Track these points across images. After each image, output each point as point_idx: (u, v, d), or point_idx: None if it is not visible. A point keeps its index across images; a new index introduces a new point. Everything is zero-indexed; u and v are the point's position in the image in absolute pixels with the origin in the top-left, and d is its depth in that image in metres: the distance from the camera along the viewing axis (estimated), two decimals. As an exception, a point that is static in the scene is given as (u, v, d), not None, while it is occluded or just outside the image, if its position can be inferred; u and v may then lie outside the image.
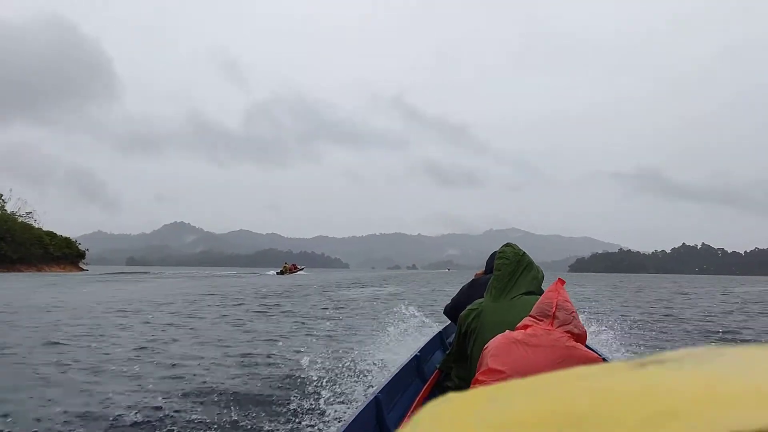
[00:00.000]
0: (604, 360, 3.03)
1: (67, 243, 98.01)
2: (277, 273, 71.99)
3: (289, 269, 73.61)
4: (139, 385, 6.80)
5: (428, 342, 5.71)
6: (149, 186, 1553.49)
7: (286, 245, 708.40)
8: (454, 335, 3.63)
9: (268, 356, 8.74)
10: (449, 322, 5.98)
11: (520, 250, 3.40)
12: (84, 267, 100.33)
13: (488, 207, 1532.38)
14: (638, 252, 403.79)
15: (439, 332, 6.40)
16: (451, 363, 3.68)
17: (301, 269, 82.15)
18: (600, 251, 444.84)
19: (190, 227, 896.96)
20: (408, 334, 8.82)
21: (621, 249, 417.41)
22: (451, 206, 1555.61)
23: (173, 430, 5.31)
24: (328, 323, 13.63)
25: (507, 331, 2.54)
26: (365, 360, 7.50)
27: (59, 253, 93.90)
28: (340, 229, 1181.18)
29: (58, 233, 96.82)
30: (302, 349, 9.12)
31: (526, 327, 2.48)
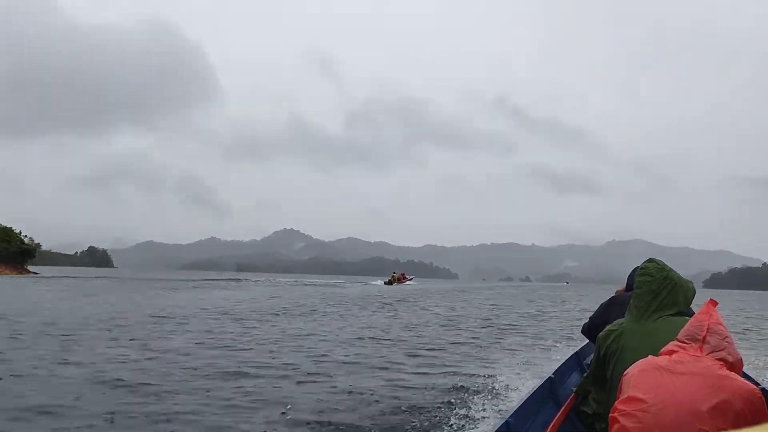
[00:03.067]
0: (764, 390, 2.84)
1: (5, 235, 76.05)
2: (385, 283, 71.15)
3: (397, 279, 72.58)
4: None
5: (563, 363, 5.51)
6: (257, 192, 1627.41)
7: (394, 254, 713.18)
8: (592, 356, 3.50)
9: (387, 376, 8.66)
10: (586, 341, 5.79)
11: (665, 266, 3.27)
12: (33, 270, 79.75)
13: (608, 216, 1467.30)
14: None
15: (576, 353, 6.16)
16: (588, 386, 3.54)
17: (410, 279, 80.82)
18: (739, 266, 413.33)
19: (299, 234, 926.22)
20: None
21: (766, 264, 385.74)
22: (568, 215, 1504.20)
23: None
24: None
25: (650, 356, 2.41)
26: (493, 381, 7.46)
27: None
28: (450, 238, 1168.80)
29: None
30: (425, 370, 8.98)
31: (671, 352, 2.35)
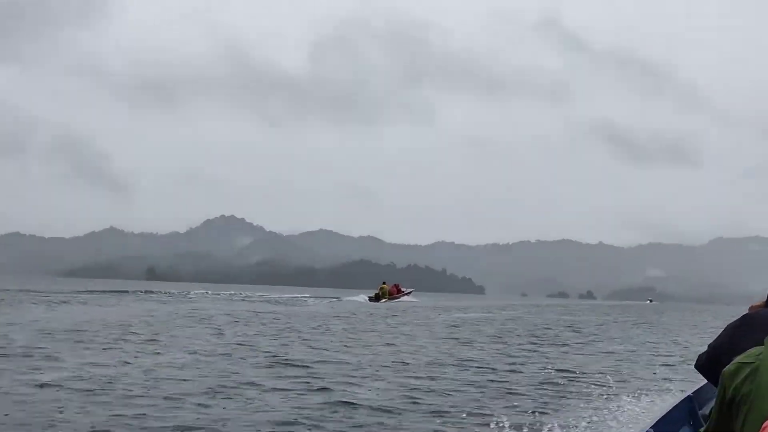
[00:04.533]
0: None
1: None
2: (370, 298, 75.88)
3: (389, 293, 77.56)
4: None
5: (669, 412, 5.72)
6: (178, 160, 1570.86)
7: (389, 255, 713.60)
8: (712, 403, 3.51)
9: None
10: (704, 381, 5.88)
11: None
12: None
13: (714, 202, 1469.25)
14: None
15: (688, 397, 6.30)
16: None
17: (408, 293, 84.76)
18: None
19: (245, 224, 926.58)
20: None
21: None
22: (652, 199, 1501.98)
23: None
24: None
25: None
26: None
27: None
28: (472, 233, 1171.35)
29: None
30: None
31: None
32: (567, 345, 28.57)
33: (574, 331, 39.06)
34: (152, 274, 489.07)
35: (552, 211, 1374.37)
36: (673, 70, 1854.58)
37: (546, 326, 42.10)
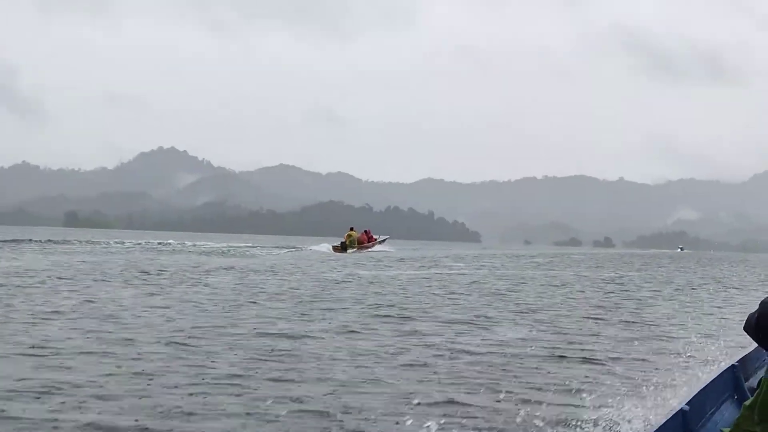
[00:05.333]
0: None
1: None
2: (334, 248, 77.19)
3: (357, 240, 79.29)
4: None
5: (709, 384, 5.74)
6: (103, 78, 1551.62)
7: (364, 195, 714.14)
8: (762, 372, 3.67)
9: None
10: (753, 346, 6.17)
11: None
12: None
13: (759, 129, 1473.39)
14: None
15: (732, 366, 6.43)
16: (751, 425, 3.63)
17: (381, 241, 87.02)
18: None
19: (188, 159, 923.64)
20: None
21: None
22: (683, 126, 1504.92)
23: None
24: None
25: None
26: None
27: None
28: (466, 169, 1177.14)
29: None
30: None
31: None
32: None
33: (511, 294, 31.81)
34: (73, 220, 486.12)
35: (562, 140, 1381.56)
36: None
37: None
